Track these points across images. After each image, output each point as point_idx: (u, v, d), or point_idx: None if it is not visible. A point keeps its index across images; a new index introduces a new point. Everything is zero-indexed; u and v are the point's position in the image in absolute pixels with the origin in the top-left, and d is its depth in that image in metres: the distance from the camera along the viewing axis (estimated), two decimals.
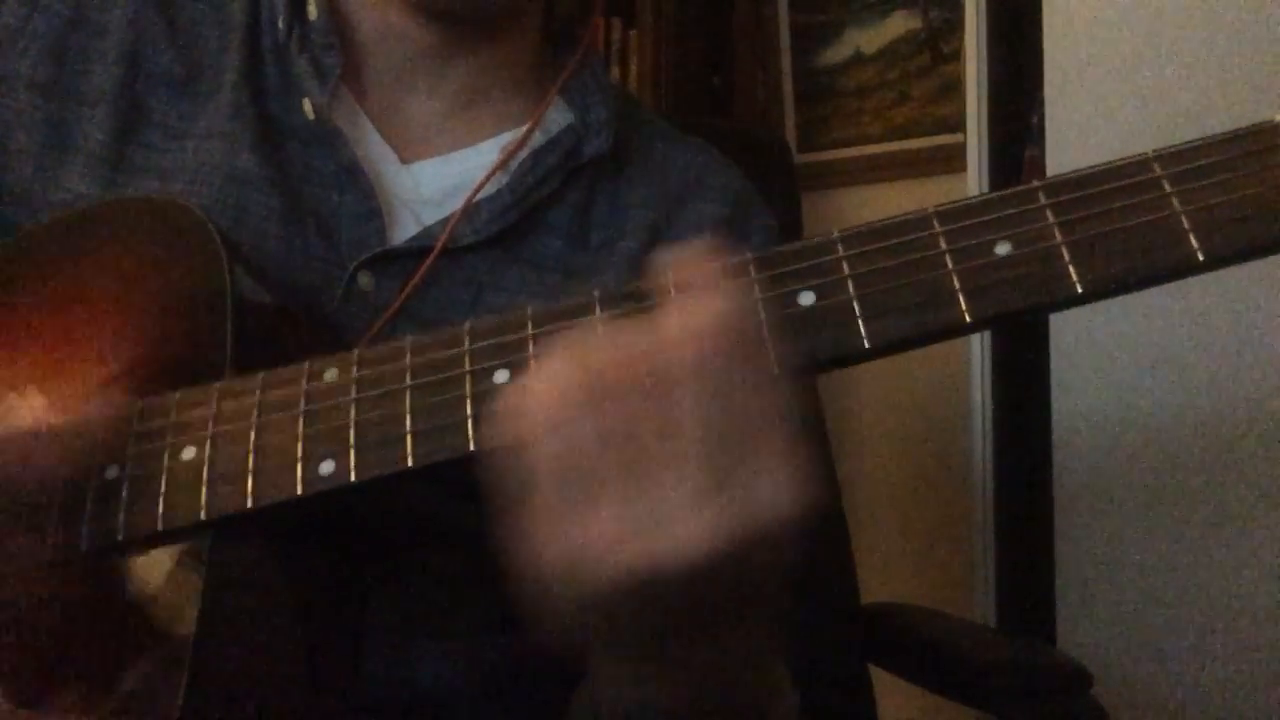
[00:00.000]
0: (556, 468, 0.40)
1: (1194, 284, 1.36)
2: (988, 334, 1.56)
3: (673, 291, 0.43)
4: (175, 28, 0.69)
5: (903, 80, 1.88)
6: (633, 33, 1.92)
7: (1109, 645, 1.32)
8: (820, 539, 1.14)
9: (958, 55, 1.76)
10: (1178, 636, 1.27)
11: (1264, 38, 1.20)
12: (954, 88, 1.78)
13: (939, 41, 1.83)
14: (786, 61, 2.01)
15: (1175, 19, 1.28)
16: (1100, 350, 1.34)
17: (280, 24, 0.68)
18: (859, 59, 1.93)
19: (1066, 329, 1.37)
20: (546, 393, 0.40)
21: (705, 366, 0.39)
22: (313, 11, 0.69)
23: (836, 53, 1.96)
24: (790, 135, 1.99)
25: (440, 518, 0.61)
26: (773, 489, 0.39)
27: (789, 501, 0.39)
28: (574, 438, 0.39)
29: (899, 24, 1.88)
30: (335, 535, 0.54)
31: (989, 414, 1.55)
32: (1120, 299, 1.30)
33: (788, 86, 2.01)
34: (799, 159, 1.93)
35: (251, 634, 0.50)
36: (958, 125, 1.73)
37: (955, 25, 1.77)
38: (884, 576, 1.68)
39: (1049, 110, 1.43)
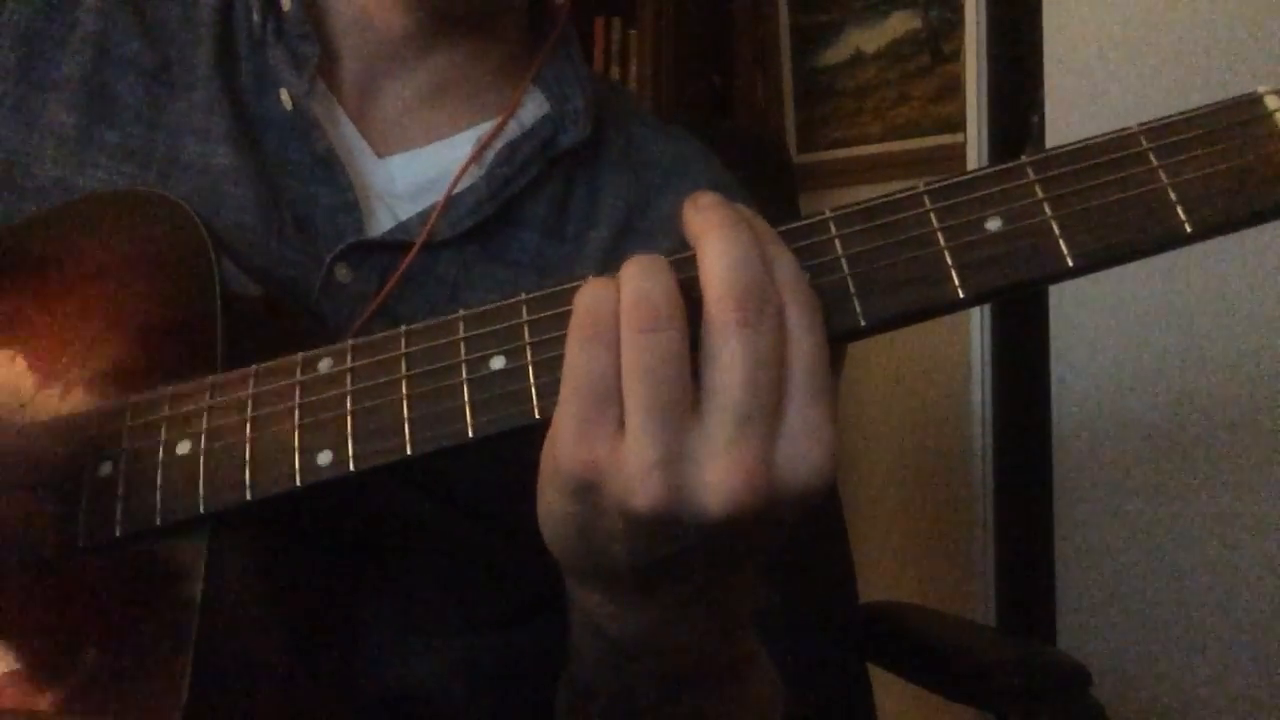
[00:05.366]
0: (589, 382, 0.40)
1: (1195, 284, 1.35)
2: (988, 335, 1.56)
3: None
4: (145, 21, 0.69)
5: (903, 80, 1.87)
6: (633, 33, 1.92)
7: (1109, 645, 1.32)
8: (818, 537, 1.13)
9: (958, 55, 1.76)
10: (1178, 636, 1.27)
11: (1264, 39, 1.20)
12: (954, 88, 1.78)
13: (939, 41, 1.82)
14: (786, 61, 2.01)
15: (1175, 19, 1.28)
16: (1101, 351, 1.34)
17: (255, 16, 0.68)
18: (859, 59, 1.93)
19: (1067, 329, 1.37)
20: (590, 307, 0.40)
21: (754, 317, 0.39)
22: (286, 2, 0.68)
23: (836, 53, 1.96)
24: (790, 135, 1.99)
25: (425, 523, 0.61)
26: (807, 450, 0.39)
27: (819, 466, 0.39)
28: (610, 358, 0.40)
29: (899, 24, 1.87)
30: (327, 538, 0.54)
31: (989, 413, 1.55)
32: (1120, 301, 1.29)
33: (788, 86, 2.01)
34: (799, 159, 1.93)
35: (251, 630, 0.50)
36: (958, 125, 1.72)
37: (955, 25, 1.77)
38: (884, 576, 1.68)
39: (1049, 110, 1.43)
